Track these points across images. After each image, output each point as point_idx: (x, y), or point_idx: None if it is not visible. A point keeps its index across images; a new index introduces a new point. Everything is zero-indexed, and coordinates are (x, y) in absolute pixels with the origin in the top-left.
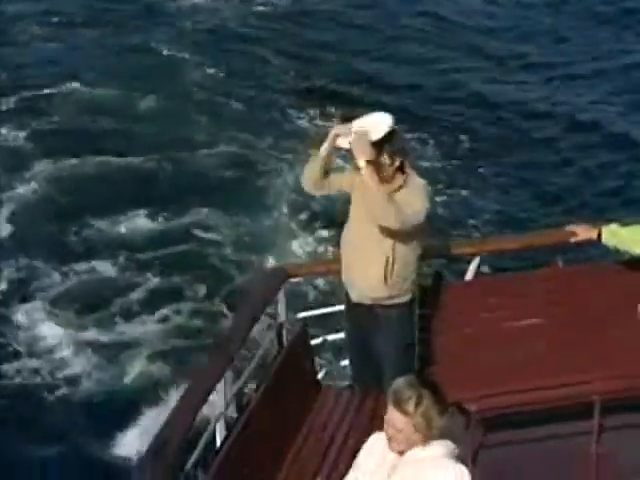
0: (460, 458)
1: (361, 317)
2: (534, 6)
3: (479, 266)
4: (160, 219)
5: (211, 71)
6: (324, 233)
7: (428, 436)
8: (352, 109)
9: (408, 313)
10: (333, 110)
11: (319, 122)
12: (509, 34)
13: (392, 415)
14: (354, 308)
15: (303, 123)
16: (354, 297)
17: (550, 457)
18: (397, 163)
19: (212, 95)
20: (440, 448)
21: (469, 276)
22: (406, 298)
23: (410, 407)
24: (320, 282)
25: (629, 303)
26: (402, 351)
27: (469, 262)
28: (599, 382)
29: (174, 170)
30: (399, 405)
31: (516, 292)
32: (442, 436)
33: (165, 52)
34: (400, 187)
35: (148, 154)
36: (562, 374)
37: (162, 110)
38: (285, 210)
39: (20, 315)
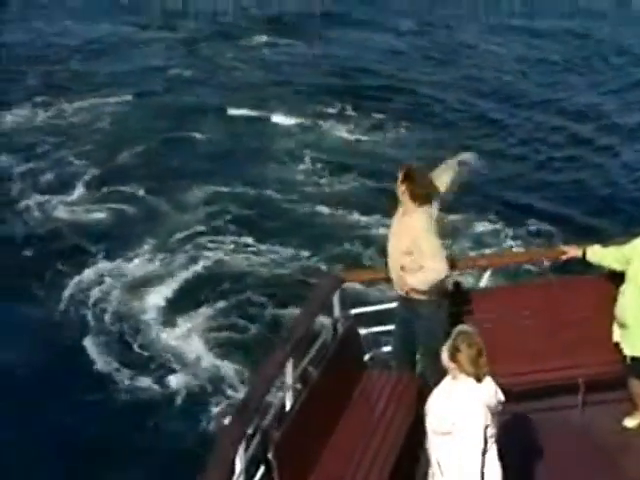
0: None
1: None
2: None
3: (490, 276)
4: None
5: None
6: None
7: None
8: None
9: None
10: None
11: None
12: None
13: None
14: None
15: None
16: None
17: (544, 424)
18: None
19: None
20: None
21: (482, 284)
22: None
23: None
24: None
25: (606, 307)
26: (430, 338)
27: (482, 273)
28: (583, 367)
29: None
30: None
31: (519, 298)
32: None
33: None
34: None
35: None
36: (555, 360)
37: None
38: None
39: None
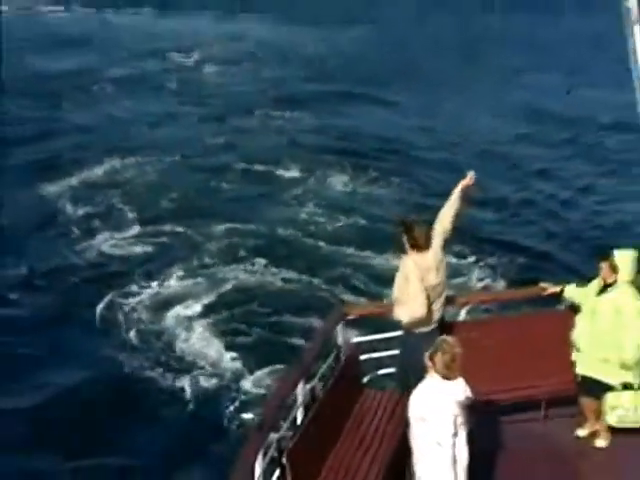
0: None
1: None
2: None
3: (469, 311)
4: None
5: None
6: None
7: None
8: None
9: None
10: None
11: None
12: None
13: None
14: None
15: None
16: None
17: (512, 433)
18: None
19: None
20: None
21: (462, 317)
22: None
23: None
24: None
25: (567, 335)
26: (412, 366)
27: (462, 308)
28: (545, 386)
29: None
30: None
31: (496, 329)
32: None
33: None
34: None
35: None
36: (522, 381)
37: None
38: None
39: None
